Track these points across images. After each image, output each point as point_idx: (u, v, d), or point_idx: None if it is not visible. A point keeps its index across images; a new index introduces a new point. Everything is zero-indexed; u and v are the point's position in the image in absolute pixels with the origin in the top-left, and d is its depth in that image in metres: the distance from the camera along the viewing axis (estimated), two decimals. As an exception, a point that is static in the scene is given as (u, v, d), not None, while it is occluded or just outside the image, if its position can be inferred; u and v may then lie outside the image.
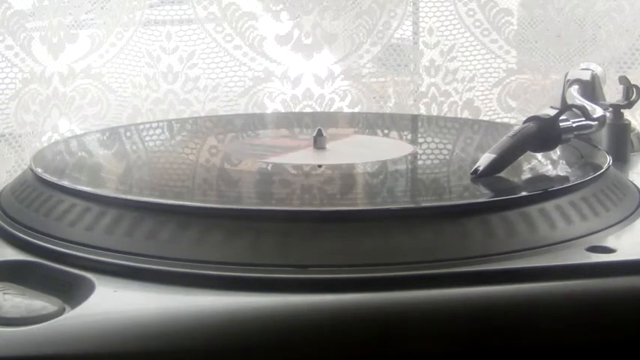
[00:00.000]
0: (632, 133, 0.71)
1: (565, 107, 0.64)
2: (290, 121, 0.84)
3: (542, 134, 0.59)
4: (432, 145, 0.73)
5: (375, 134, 0.78)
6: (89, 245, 0.50)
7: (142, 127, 0.78)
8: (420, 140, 0.77)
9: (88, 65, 0.85)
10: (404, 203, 0.57)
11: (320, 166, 0.64)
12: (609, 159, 0.61)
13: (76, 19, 0.83)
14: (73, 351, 0.42)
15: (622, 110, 0.70)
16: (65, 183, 0.56)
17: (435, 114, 0.94)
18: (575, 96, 0.70)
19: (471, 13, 0.93)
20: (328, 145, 0.67)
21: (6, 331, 0.43)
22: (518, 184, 0.59)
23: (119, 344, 0.42)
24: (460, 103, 0.95)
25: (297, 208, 0.55)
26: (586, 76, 0.73)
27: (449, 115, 0.94)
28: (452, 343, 0.45)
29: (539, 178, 0.61)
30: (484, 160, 0.57)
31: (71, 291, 0.47)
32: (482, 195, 0.57)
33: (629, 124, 0.71)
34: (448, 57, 0.94)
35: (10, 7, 0.78)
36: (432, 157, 0.69)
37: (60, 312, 0.45)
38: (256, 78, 0.90)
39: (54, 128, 0.83)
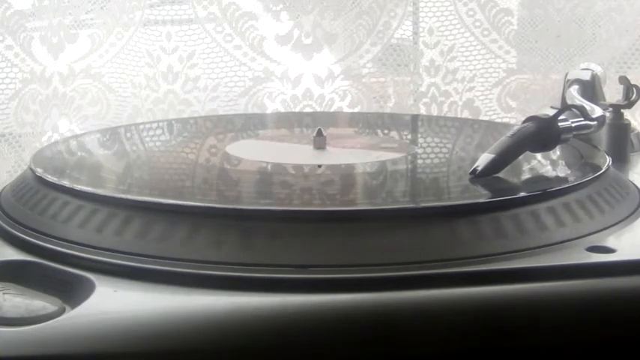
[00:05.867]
0: (632, 133, 0.71)
1: (564, 107, 0.64)
2: (290, 121, 0.84)
3: (542, 134, 0.59)
4: (432, 145, 0.73)
5: (375, 134, 0.78)
6: (89, 245, 0.50)
7: (142, 127, 0.78)
8: (420, 140, 0.77)
9: (88, 65, 0.85)
10: (403, 203, 0.57)
11: (320, 166, 0.64)
12: (609, 159, 0.61)
13: (76, 19, 0.83)
14: (73, 351, 0.42)
15: (622, 110, 0.70)
16: (65, 183, 0.56)
17: (435, 114, 0.94)
18: (575, 96, 0.70)
19: (471, 13, 0.93)
20: (328, 145, 0.67)
21: (6, 331, 0.43)
22: (517, 185, 0.59)
23: (119, 344, 0.42)
24: (460, 103, 0.95)
25: (297, 208, 0.55)
26: (586, 76, 0.73)
27: (449, 115, 0.94)
28: (452, 343, 0.45)
29: (539, 179, 0.61)
30: (483, 160, 0.57)
31: (71, 291, 0.47)
32: (482, 195, 0.57)
33: (629, 124, 0.71)
34: (448, 57, 0.94)
35: (10, 7, 0.78)
36: (431, 157, 0.69)
37: (60, 312, 0.45)
38: (256, 78, 0.90)
39: (54, 128, 0.83)
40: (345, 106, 0.92)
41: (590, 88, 0.72)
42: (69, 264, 0.49)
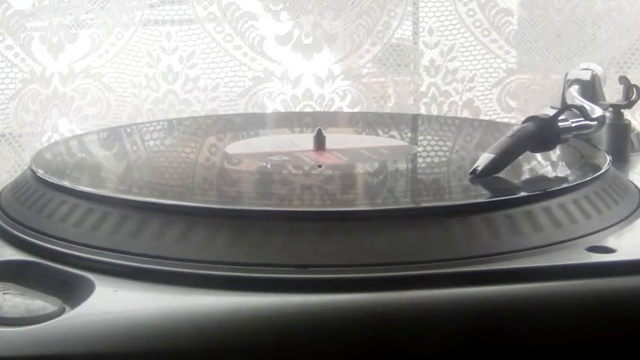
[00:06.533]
0: (632, 133, 0.71)
1: (564, 107, 0.64)
2: (290, 121, 0.84)
3: (541, 134, 0.59)
4: (432, 145, 0.73)
5: (375, 134, 0.78)
6: (89, 245, 0.50)
7: (142, 127, 0.78)
8: (420, 140, 0.77)
9: (88, 65, 0.85)
10: (404, 203, 0.57)
11: (320, 166, 0.64)
12: (609, 159, 0.61)
13: (76, 19, 0.83)
14: (73, 351, 0.42)
15: (622, 110, 0.70)
16: (65, 183, 0.56)
17: (435, 114, 0.94)
18: (575, 96, 0.70)
19: (471, 13, 0.93)
20: (328, 145, 0.67)
21: (6, 331, 0.43)
22: (517, 184, 0.59)
23: (119, 344, 0.42)
24: (460, 103, 0.95)
25: (297, 208, 0.55)
26: (586, 76, 0.73)
27: (449, 115, 0.94)
28: (452, 343, 0.45)
29: (539, 178, 0.61)
30: (483, 160, 0.57)
31: (71, 291, 0.47)
32: (482, 195, 0.57)
33: (629, 124, 0.71)
34: (448, 57, 0.94)
35: (10, 7, 0.78)
36: (432, 156, 0.69)
37: (60, 312, 0.45)
38: (256, 78, 0.90)
39: (54, 128, 0.83)
40: (345, 106, 0.92)
41: (590, 88, 0.72)
42: (69, 264, 0.49)
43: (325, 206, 0.57)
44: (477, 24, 0.93)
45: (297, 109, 0.90)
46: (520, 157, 0.59)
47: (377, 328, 0.45)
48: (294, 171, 0.63)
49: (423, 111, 0.94)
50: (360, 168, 0.63)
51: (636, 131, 0.73)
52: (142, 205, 0.52)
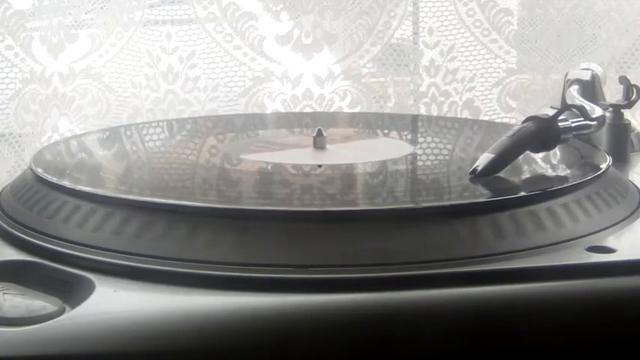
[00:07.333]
0: (632, 133, 0.71)
1: (564, 107, 0.64)
2: (290, 121, 0.84)
3: (541, 134, 0.59)
4: (432, 145, 0.73)
5: (375, 134, 0.78)
6: (89, 245, 0.50)
7: (141, 127, 0.78)
8: (420, 140, 0.77)
9: (88, 65, 0.85)
10: (404, 203, 0.57)
11: (320, 166, 0.64)
12: (609, 159, 0.61)
13: (76, 19, 0.83)
14: (73, 351, 0.42)
15: (622, 110, 0.70)
16: (65, 183, 0.56)
17: (435, 114, 0.94)
18: (574, 96, 0.70)
19: (471, 13, 0.93)
20: (328, 145, 0.67)
21: (6, 331, 0.43)
22: (517, 184, 0.59)
23: (119, 344, 0.42)
24: (460, 103, 0.95)
25: (297, 208, 0.55)
26: (586, 76, 0.73)
27: (449, 115, 0.94)
28: (452, 343, 0.45)
29: (539, 178, 0.61)
30: (483, 159, 0.57)
31: (71, 291, 0.47)
32: (482, 195, 0.57)
33: (629, 124, 0.71)
34: (448, 57, 0.94)
35: (10, 7, 0.78)
36: (431, 157, 0.69)
37: (60, 312, 0.45)
38: (256, 78, 0.90)
39: (54, 128, 0.83)
40: (345, 106, 0.92)
41: (590, 88, 0.72)
42: (69, 264, 0.49)
43: (325, 206, 0.57)
44: (477, 24, 0.93)
45: (297, 109, 0.90)
46: (520, 157, 0.59)
47: (377, 328, 0.45)
48: (294, 171, 0.63)
49: (423, 111, 0.94)
50: (360, 168, 0.63)
51: (636, 131, 0.73)
52: (141, 205, 0.52)
